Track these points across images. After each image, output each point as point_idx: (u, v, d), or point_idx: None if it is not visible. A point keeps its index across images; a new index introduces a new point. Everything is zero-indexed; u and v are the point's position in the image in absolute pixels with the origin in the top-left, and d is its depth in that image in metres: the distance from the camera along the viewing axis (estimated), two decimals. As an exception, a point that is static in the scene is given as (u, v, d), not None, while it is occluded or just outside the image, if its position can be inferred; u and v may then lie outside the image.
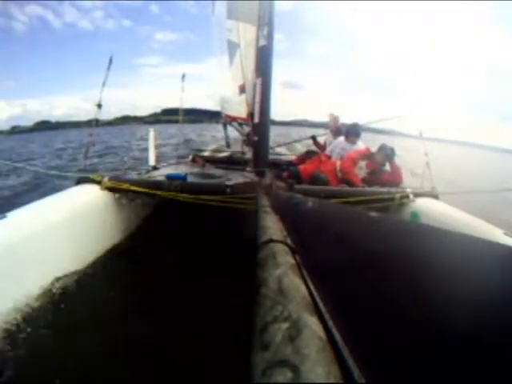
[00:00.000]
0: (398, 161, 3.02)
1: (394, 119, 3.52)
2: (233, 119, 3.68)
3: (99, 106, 2.54)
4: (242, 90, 3.17)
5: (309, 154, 3.74)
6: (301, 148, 4.29)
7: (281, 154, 4.78)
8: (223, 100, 3.76)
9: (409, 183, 2.89)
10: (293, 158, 4.05)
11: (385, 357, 0.36)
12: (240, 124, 3.68)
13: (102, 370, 1.25)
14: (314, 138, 4.06)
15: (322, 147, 3.91)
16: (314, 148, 4.12)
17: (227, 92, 3.56)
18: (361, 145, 3.18)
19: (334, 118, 3.73)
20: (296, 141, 4.66)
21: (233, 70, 3.36)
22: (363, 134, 3.26)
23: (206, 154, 4.67)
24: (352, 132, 3.17)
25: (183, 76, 4.05)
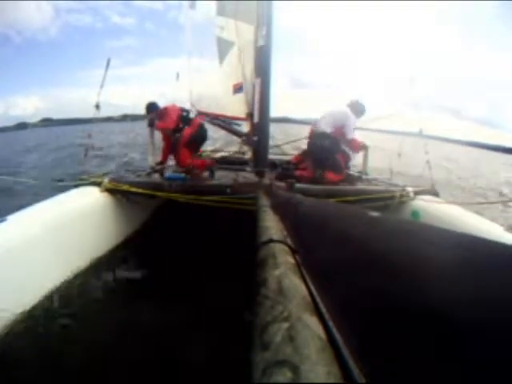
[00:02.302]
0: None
1: (390, 118, 3.51)
2: (215, 116, 3.64)
3: (97, 106, 2.53)
4: (237, 89, 3.16)
5: (307, 154, 3.74)
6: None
7: (281, 154, 4.77)
8: (210, 98, 3.70)
9: (408, 181, 2.89)
10: (292, 157, 4.04)
11: (385, 357, 0.36)
12: (223, 121, 3.64)
13: (103, 370, 1.25)
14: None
15: None
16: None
17: (218, 91, 3.53)
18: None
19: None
20: (294, 140, 4.64)
21: (225, 68, 3.34)
22: (364, 133, 3.29)
23: (206, 154, 4.66)
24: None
25: (177, 75, 4.00)
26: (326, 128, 3.13)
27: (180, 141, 3.04)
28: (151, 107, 3.14)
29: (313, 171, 3.10)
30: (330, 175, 3.00)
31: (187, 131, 3.09)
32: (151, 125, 3.17)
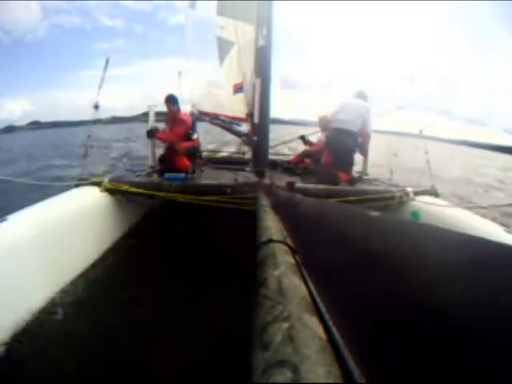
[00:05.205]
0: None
1: (388, 116, 3.46)
2: (215, 116, 3.62)
3: (96, 107, 2.53)
4: (237, 89, 3.16)
5: (307, 153, 3.75)
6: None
7: (279, 154, 4.78)
8: (211, 99, 3.68)
9: (408, 181, 2.90)
10: (291, 157, 4.05)
11: (385, 357, 0.36)
12: (224, 121, 3.62)
13: (104, 370, 1.25)
14: (303, 137, 4.08)
15: (314, 146, 3.90)
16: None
17: (218, 91, 3.52)
18: None
19: (324, 119, 3.75)
20: (289, 141, 4.64)
21: (225, 68, 3.34)
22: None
23: (206, 154, 4.67)
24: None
25: (179, 73, 3.98)
26: (353, 126, 2.99)
27: (177, 150, 2.98)
28: (174, 100, 3.00)
29: (329, 163, 3.03)
30: (343, 175, 2.99)
31: (184, 144, 3.05)
32: (151, 136, 3.06)
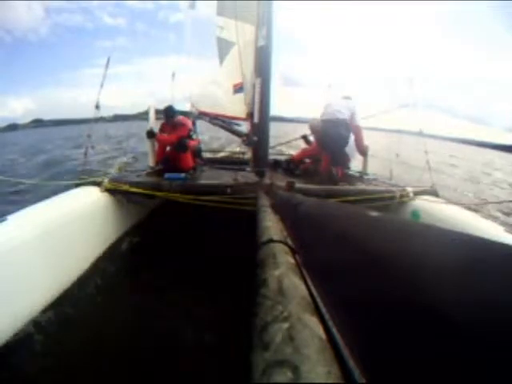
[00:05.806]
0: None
1: (389, 113, 3.46)
2: (215, 116, 3.62)
3: (97, 106, 2.54)
4: (237, 89, 3.16)
5: (306, 154, 3.76)
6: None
7: (280, 154, 4.78)
8: (212, 98, 3.68)
9: (408, 180, 2.91)
10: (292, 156, 4.06)
11: (385, 357, 0.36)
12: (223, 121, 3.63)
13: (105, 369, 1.25)
14: (305, 137, 4.08)
15: (310, 146, 3.92)
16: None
17: (218, 91, 3.52)
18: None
19: (314, 124, 3.78)
20: (290, 141, 4.65)
21: (225, 68, 3.34)
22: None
23: (206, 153, 4.66)
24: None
25: (173, 74, 3.97)
26: (343, 115, 2.96)
27: (188, 147, 3.06)
28: (173, 111, 3.15)
29: (328, 166, 3.04)
30: (340, 171, 3.01)
31: (192, 142, 3.18)
32: (151, 136, 3.16)
